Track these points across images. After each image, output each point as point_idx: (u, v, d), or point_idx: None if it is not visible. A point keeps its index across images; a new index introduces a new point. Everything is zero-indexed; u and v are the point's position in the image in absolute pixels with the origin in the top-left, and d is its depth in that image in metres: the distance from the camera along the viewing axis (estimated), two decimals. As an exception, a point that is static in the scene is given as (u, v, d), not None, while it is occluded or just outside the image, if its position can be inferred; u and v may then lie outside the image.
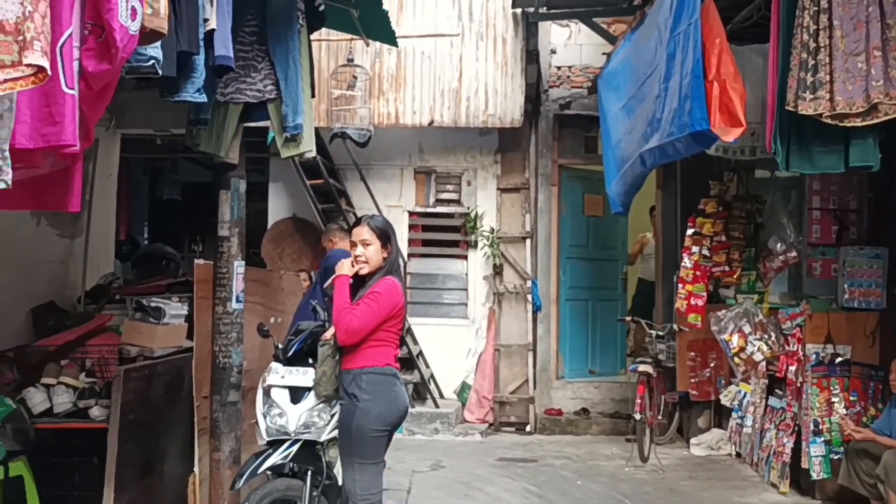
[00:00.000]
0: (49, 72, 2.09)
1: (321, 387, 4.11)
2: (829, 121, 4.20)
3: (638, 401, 7.09)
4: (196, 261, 4.98)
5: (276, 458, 4.30)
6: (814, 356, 6.04)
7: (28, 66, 2.08)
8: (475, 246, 9.04)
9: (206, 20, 3.49)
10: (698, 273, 7.29)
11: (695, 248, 7.30)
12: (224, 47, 3.56)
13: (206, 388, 4.90)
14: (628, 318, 8.25)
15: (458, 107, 8.54)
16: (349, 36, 7.48)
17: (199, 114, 4.39)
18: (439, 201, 9.25)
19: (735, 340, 6.83)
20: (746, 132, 4.67)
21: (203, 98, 3.63)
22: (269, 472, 4.37)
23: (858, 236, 6.39)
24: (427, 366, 8.80)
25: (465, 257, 9.17)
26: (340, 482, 4.47)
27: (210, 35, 3.53)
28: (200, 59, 3.48)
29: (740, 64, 4.71)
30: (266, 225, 9.11)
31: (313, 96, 5.09)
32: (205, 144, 4.65)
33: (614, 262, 9.63)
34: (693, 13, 4.76)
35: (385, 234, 3.99)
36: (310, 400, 4.38)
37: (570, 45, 9.15)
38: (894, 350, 5.90)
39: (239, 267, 5.03)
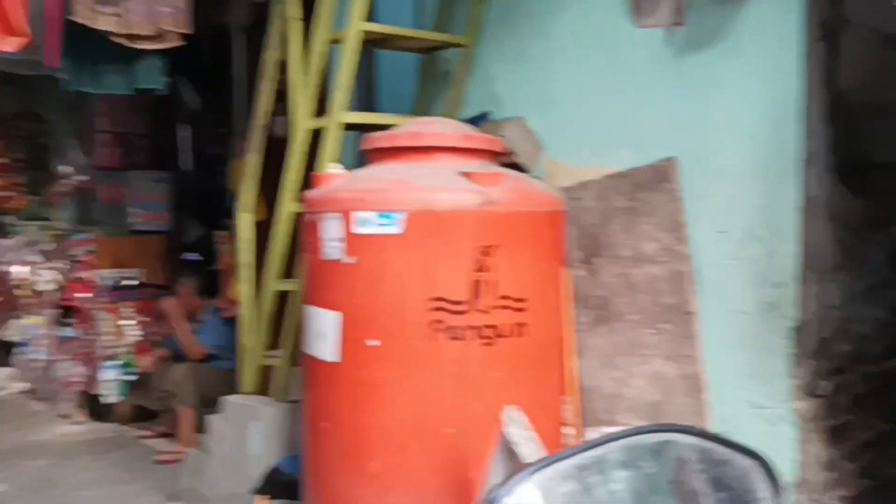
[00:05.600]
0: None
1: None
2: (122, 40, 4.11)
3: None
4: None
5: None
6: (105, 282, 6.01)
7: None
8: None
9: None
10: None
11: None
12: None
13: None
14: None
15: None
16: None
17: None
18: None
19: (20, 271, 6.38)
20: (28, 44, 4.25)
21: None
22: None
23: (145, 160, 6.51)
24: None
25: None
26: None
27: None
28: None
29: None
30: None
31: None
32: None
33: None
34: None
35: None
36: None
37: None
38: (180, 269, 6.24)
39: None
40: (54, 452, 5.49)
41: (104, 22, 4.07)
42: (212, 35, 5.36)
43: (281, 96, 4.22)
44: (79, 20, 4.06)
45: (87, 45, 4.27)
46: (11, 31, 4.05)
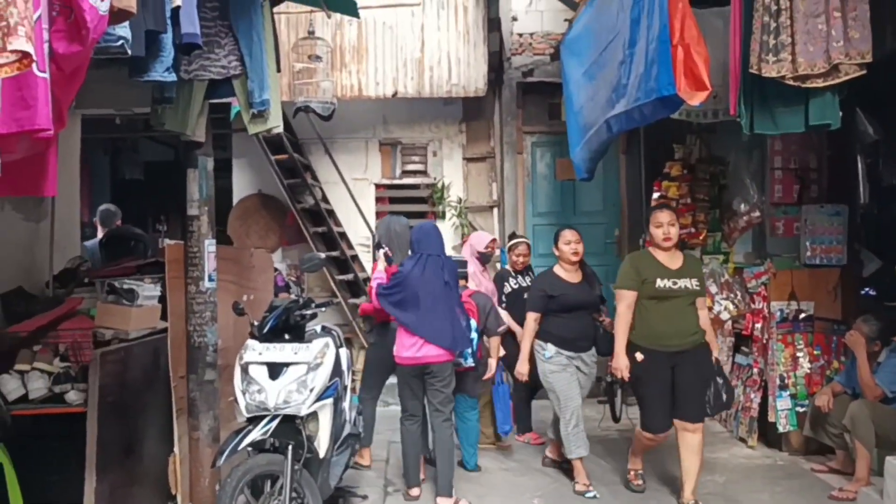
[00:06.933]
0: (34, 57, 2.05)
1: None
2: (791, 82, 4.28)
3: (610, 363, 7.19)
4: (166, 241, 4.93)
5: (255, 434, 4.32)
6: (778, 313, 6.19)
7: (13, 52, 2.04)
8: (443, 216, 9.07)
9: (171, -3, 3.44)
10: (665, 236, 7.37)
11: (661, 212, 7.37)
12: (191, 24, 3.51)
13: (182, 368, 4.90)
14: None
15: (422, 77, 8.51)
16: (309, 8, 7.40)
17: (164, 92, 4.33)
18: (405, 173, 9.24)
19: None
20: (710, 96, 4.73)
21: (173, 77, 3.58)
22: (249, 449, 4.40)
23: (819, 194, 6.52)
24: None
25: (434, 228, 9.17)
26: (322, 455, 4.52)
27: (176, 12, 3.48)
28: (168, 38, 3.43)
29: (702, 27, 4.75)
30: (231, 202, 9.03)
31: (279, 71, 5.05)
32: (170, 123, 4.59)
33: (598, 225, 9.07)
34: (656, -21, 4.78)
35: None
36: (289, 375, 4.41)
37: (531, 11, 9.14)
38: (855, 304, 6.07)
39: (210, 245, 5.01)
40: (730, 470, 5.88)
41: (771, 69, 4.30)
42: (891, 60, 5.14)
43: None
44: (752, 71, 4.38)
45: (761, 90, 4.54)
46: (699, 87, 4.59)
